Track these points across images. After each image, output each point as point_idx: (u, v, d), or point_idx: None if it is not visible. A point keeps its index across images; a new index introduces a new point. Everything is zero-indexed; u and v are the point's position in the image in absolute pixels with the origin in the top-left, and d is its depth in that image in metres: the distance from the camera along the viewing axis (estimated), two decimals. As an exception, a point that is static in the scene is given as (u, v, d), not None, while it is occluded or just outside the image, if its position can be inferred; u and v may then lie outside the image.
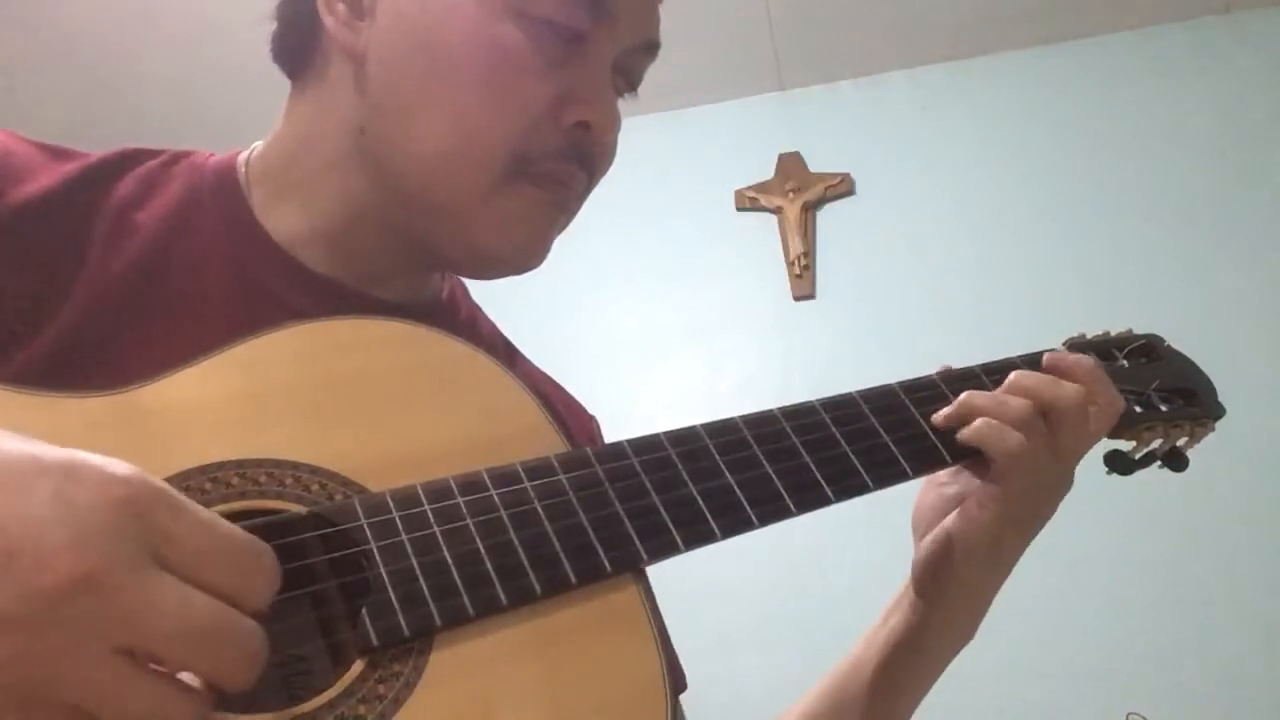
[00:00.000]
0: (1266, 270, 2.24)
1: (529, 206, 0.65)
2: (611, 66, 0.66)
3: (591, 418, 0.83)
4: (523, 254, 0.67)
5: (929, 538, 0.71)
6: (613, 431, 0.78)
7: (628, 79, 0.69)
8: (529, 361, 0.82)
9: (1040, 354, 0.75)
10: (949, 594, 0.70)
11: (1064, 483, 0.69)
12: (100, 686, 0.37)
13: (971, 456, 0.68)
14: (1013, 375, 0.68)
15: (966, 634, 0.72)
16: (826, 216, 2.56)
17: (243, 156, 0.71)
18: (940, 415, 0.67)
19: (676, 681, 0.78)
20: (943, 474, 0.73)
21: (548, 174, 0.65)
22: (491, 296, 0.83)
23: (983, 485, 0.67)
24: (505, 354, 0.80)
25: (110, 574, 0.37)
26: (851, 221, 2.54)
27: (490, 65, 0.62)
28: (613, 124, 0.66)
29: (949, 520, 0.70)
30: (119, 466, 0.39)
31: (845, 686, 0.74)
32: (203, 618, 0.39)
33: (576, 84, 0.64)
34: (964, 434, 0.66)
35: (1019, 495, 0.66)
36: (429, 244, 0.68)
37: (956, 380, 0.71)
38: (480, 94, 0.62)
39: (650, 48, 0.69)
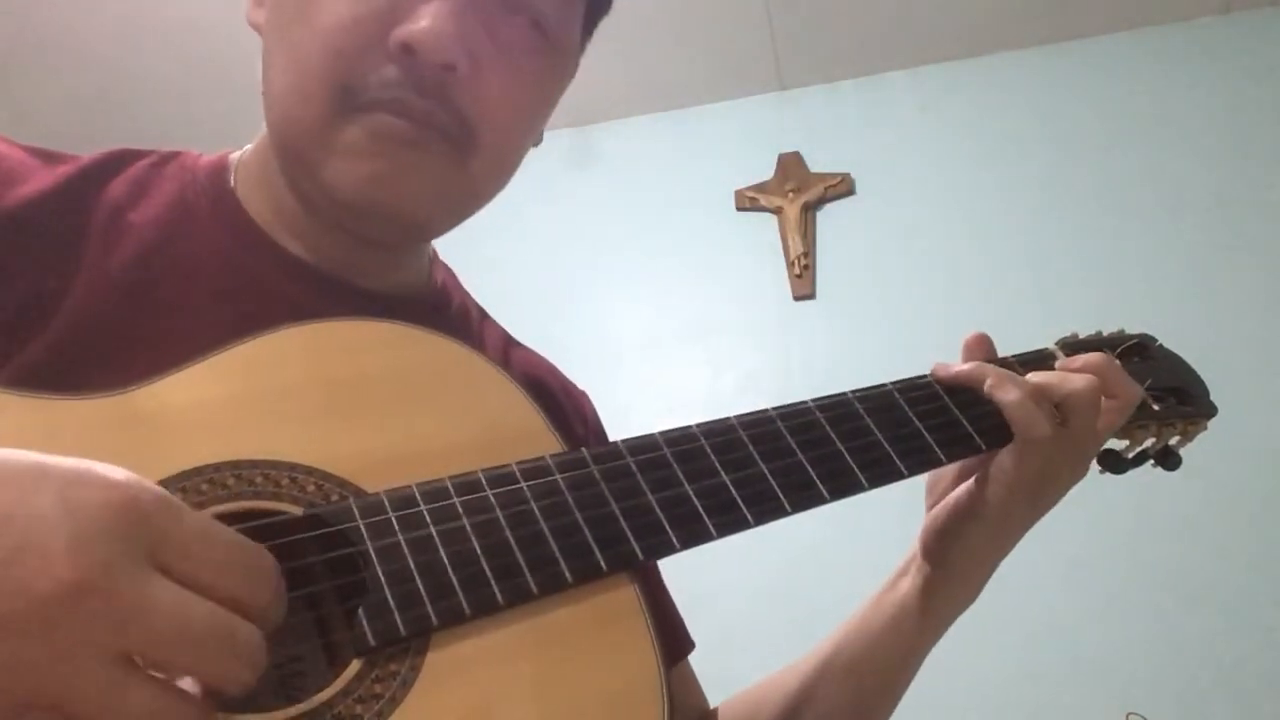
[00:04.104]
0: (1266, 270, 2.24)
1: (367, 140, 0.61)
2: None
3: (583, 394, 0.84)
4: (377, 192, 0.62)
5: (941, 504, 0.73)
6: (612, 432, 0.78)
7: (530, 15, 0.64)
8: (524, 346, 0.82)
9: (1037, 352, 0.76)
10: (953, 558, 0.71)
11: (1076, 472, 0.70)
12: (94, 692, 0.37)
13: (966, 457, 0.69)
14: (1032, 375, 0.70)
15: (968, 597, 0.73)
16: (826, 216, 2.56)
17: (234, 156, 0.72)
18: (951, 373, 0.70)
19: (682, 645, 0.81)
20: None
21: (378, 102, 0.60)
22: (491, 297, 0.84)
23: (999, 459, 0.69)
24: (500, 343, 0.80)
25: (108, 579, 0.37)
26: (851, 221, 2.54)
27: None
28: (444, 43, 0.59)
29: (962, 489, 0.72)
30: (119, 473, 0.39)
31: (852, 645, 0.75)
32: (200, 621, 0.39)
33: (402, 2, 0.60)
34: (1006, 413, 0.68)
35: (1032, 475, 0.68)
36: (309, 203, 0.66)
37: (951, 379, 0.71)
38: (301, 23, 0.61)
39: None
